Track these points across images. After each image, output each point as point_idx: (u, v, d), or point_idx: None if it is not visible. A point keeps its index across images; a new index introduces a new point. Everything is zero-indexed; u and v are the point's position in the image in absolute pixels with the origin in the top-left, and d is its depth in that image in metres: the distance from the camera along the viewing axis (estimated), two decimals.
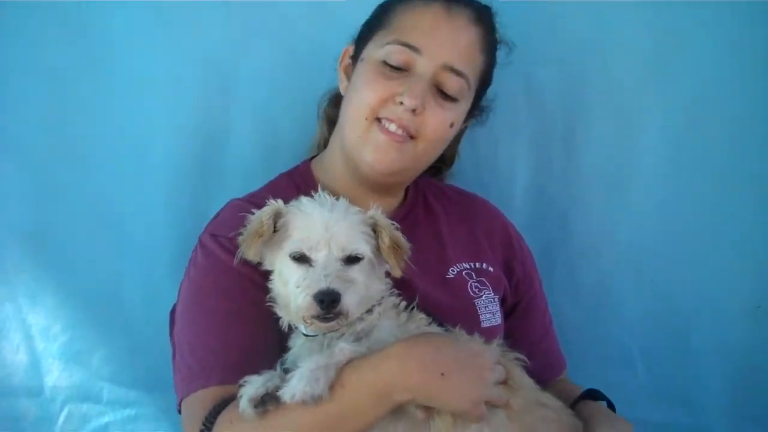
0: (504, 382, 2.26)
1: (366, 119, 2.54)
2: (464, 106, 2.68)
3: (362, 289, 2.19)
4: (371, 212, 2.28)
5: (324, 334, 2.24)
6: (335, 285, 2.09)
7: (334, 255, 2.16)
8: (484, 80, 2.75)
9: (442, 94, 2.58)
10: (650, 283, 3.30)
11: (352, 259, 2.19)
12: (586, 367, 3.04)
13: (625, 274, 3.31)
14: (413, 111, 2.50)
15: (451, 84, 2.57)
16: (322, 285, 2.09)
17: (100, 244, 3.12)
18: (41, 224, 3.09)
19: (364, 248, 2.20)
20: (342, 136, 2.64)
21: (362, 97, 2.56)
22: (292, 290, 2.19)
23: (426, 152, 2.63)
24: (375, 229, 2.27)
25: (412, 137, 2.55)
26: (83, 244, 3.11)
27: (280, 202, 2.29)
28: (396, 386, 2.10)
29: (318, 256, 2.16)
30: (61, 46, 3.04)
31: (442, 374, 2.12)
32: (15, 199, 3.08)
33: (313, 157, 2.85)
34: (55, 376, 3.11)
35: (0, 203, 3.08)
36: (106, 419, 3.14)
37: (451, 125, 2.64)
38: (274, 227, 2.26)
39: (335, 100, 2.86)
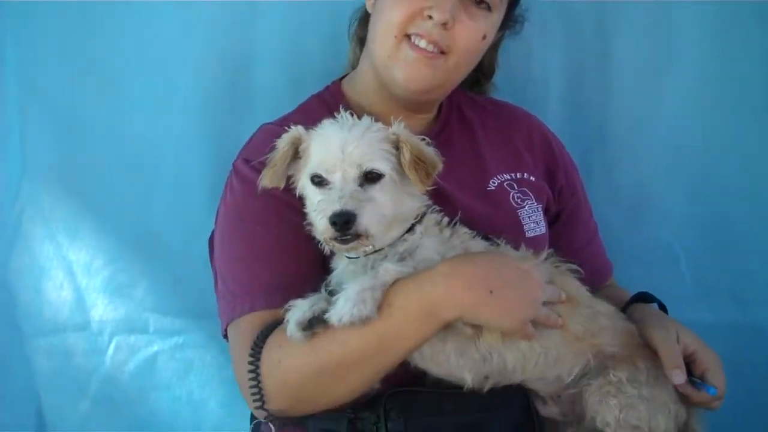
0: (562, 302, 2.26)
1: (395, 37, 2.45)
2: (497, 16, 2.58)
3: (384, 208, 2.13)
4: (393, 128, 2.20)
5: (366, 255, 2.22)
6: (349, 206, 2.04)
7: (350, 175, 2.11)
8: None
9: (475, 2, 2.48)
10: (690, 179, 3.26)
11: (372, 179, 2.13)
12: (629, 271, 3.03)
13: (664, 173, 3.27)
14: (443, 25, 2.41)
15: None
16: (336, 207, 2.04)
17: (133, 176, 3.12)
18: (73, 162, 3.09)
19: (382, 165, 2.13)
20: (372, 56, 2.57)
21: (389, 15, 2.47)
22: (313, 214, 2.17)
23: (458, 67, 2.55)
24: (398, 145, 2.19)
25: (443, 52, 2.46)
26: (116, 178, 3.11)
27: (299, 128, 2.24)
28: (443, 305, 2.10)
29: (335, 178, 2.12)
30: None
31: (491, 292, 2.11)
32: (45, 139, 3.08)
33: (343, 77, 2.79)
34: (101, 310, 3.13)
35: (31, 145, 3.08)
36: (155, 348, 3.18)
37: (484, 37, 2.55)
38: (297, 153, 2.23)
39: (364, 19, 2.76)
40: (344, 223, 2.03)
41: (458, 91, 2.76)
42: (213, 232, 2.57)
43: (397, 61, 2.47)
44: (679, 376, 2.25)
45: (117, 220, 3.11)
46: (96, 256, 3.12)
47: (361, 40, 2.77)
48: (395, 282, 2.11)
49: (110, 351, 3.16)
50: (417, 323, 2.10)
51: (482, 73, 2.93)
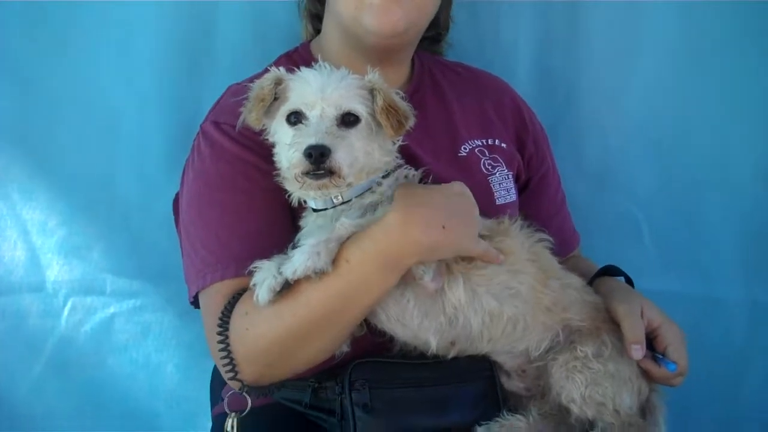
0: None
1: None
2: None
3: (357, 150, 2.12)
4: (369, 76, 2.18)
5: (333, 207, 2.20)
6: (326, 140, 2.02)
7: (328, 113, 2.09)
8: None
9: None
10: (657, 152, 3.24)
11: (348, 123, 2.11)
12: (593, 240, 3.03)
13: (631, 144, 3.24)
14: None
15: None
16: (312, 140, 2.02)
17: (91, 136, 3.03)
18: (28, 120, 2.99)
19: (360, 108, 2.12)
20: (336, 14, 2.50)
21: None
22: (285, 153, 2.13)
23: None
24: (372, 94, 2.16)
25: None
26: (73, 137, 3.02)
27: (281, 69, 2.19)
28: (401, 254, 2.08)
29: (313, 114, 2.09)
30: None
31: (443, 227, 2.09)
32: None
33: (311, 40, 2.74)
34: (56, 270, 3.07)
35: None
36: (111, 310, 3.13)
37: None
38: (275, 95, 2.17)
39: None
40: (319, 155, 2.00)
41: (429, 55, 2.73)
42: (177, 194, 2.51)
43: (364, 9, 2.39)
44: (637, 352, 2.26)
45: (73, 179, 3.04)
46: (51, 215, 3.04)
47: (313, 16, 2.76)
48: (351, 236, 2.09)
49: (65, 312, 3.10)
50: (377, 275, 2.08)
51: (439, 26, 2.87)
